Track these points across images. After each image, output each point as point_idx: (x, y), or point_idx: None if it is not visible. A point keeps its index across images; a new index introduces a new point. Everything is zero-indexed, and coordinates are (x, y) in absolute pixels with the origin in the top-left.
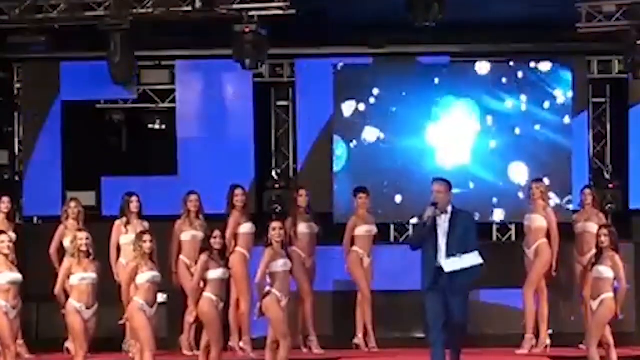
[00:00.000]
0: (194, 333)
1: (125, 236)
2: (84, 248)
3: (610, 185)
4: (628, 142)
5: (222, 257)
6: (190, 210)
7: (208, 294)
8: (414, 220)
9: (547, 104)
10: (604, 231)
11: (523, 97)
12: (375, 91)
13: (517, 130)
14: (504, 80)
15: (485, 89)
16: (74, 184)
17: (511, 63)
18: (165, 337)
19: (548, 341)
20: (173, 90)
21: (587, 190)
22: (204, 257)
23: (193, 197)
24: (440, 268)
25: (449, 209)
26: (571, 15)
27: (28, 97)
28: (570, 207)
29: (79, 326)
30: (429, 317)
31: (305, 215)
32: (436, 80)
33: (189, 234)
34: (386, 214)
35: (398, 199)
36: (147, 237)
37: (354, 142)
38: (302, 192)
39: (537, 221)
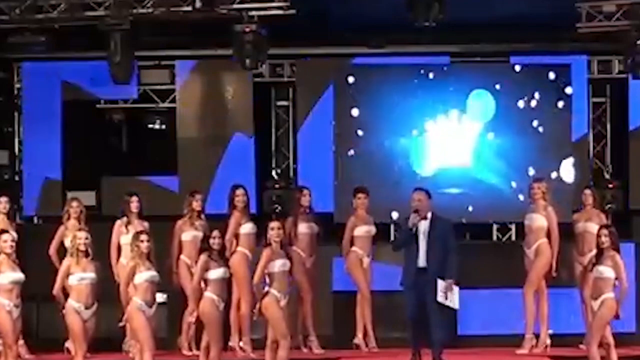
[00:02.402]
0: (194, 333)
1: (126, 236)
2: (82, 248)
3: (610, 185)
4: (628, 142)
5: (222, 257)
6: (194, 209)
7: (209, 294)
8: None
9: (547, 104)
10: (605, 231)
11: (523, 98)
12: (375, 92)
13: (517, 130)
14: (503, 80)
15: (484, 89)
16: (74, 184)
17: (511, 63)
18: (165, 337)
19: (548, 341)
20: (173, 90)
21: (588, 191)
22: (203, 257)
23: (199, 196)
24: (421, 269)
25: (429, 215)
26: (571, 15)
27: (28, 97)
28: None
29: (77, 326)
30: (408, 315)
31: (306, 215)
32: (435, 80)
33: (189, 234)
34: (387, 214)
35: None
36: (144, 237)
37: (354, 141)
38: (306, 191)
39: (538, 221)
